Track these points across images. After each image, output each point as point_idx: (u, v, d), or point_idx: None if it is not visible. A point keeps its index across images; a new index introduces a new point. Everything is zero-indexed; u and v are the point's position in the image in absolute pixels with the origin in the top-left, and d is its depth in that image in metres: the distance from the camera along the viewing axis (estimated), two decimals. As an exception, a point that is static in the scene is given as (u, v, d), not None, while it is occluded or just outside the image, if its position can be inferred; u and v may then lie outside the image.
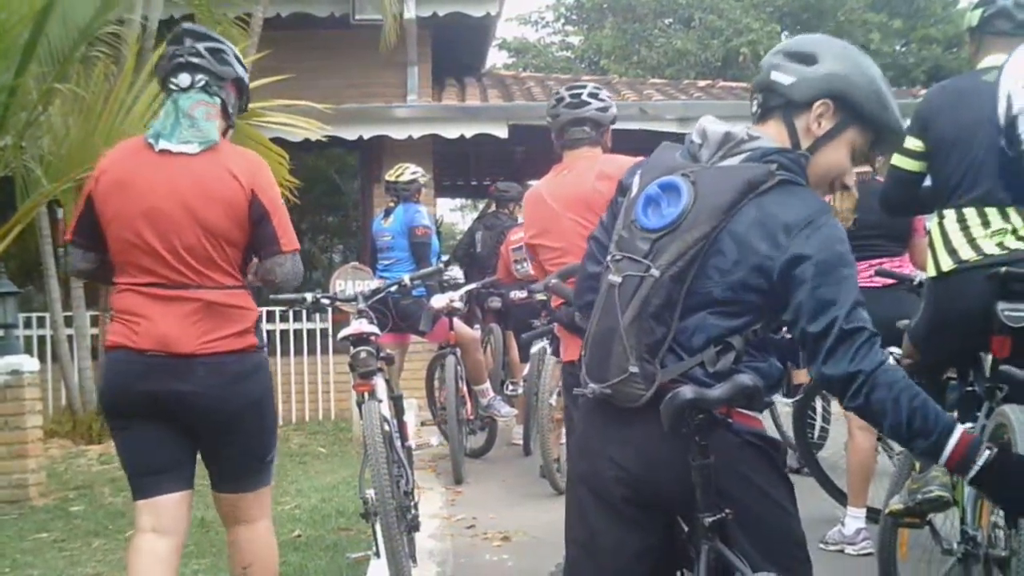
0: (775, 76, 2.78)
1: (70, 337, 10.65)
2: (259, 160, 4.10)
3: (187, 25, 4.17)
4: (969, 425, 4.25)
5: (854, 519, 5.91)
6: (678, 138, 11.42)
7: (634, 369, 2.61)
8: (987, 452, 2.53)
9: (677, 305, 2.62)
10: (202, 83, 3.99)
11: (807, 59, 2.76)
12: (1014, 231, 4.00)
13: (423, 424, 10.13)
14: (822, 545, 5.84)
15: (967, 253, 4.10)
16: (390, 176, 9.04)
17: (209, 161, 3.92)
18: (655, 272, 2.62)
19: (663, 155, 2.89)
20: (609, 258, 2.74)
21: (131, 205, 3.87)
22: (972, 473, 2.54)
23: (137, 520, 4.00)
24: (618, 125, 10.25)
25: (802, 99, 2.75)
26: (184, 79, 3.98)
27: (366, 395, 5.35)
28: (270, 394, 4.14)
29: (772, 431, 2.78)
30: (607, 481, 2.73)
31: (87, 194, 3.99)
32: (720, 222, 2.62)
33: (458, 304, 8.51)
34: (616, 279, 2.67)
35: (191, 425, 3.94)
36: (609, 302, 2.68)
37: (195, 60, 3.99)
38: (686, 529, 2.76)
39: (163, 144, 3.91)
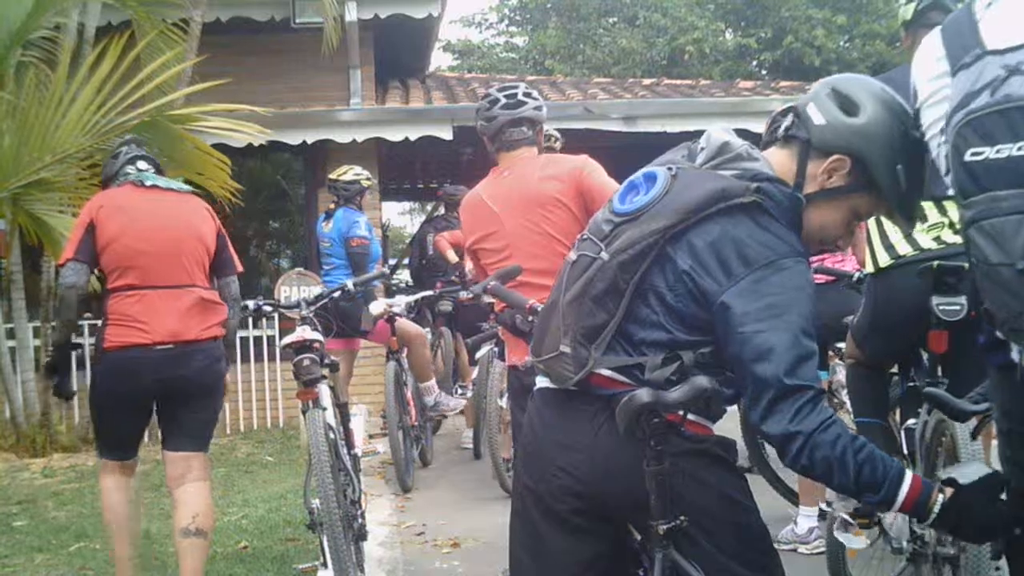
0: (810, 109, 2.62)
1: (12, 350, 10.49)
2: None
3: (131, 136, 5.64)
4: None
5: (806, 518, 5.90)
6: (623, 137, 11.42)
7: (565, 349, 2.62)
8: (940, 497, 2.43)
9: (623, 295, 2.57)
10: (153, 171, 5.25)
11: (849, 107, 2.58)
12: (951, 224, 3.99)
13: (370, 437, 10.02)
14: (774, 544, 5.81)
15: (904, 248, 4.10)
16: (333, 174, 8.93)
17: (192, 199, 5.26)
18: (604, 256, 2.60)
19: (671, 153, 2.80)
20: (578, 238, 2.75)
21: (138, 223, 4.99)
22: (930, 520, 2.44)
23: (107, 467, 5.12)
24: (563, 124, 10.20)
25: (820, 145, 2.59)
26: (143, 164, 5.25)
27: (310, 403, 5.30)
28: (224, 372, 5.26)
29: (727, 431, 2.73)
30: (554, 489, 2.69)
31: (88, 221, 4.99)
32: (680, 221, 2.54)
33: (397, 309, 8.39)
34: (573, 256, 2.70)
35: (174, 398, 5.01)
36: (560, 278, 2.71)
37: (148, 154, 5.34)
38: (638, 537, 2.72)
39: (152, 182, 5.14)
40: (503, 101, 4.95)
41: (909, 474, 2.44)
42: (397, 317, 8.46)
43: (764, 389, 2.42)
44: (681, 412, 2.52)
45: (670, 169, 2.64)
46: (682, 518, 2.55)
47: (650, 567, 2.59)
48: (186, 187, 5.26)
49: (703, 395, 2.41)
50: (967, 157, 2.23)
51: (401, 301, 8.65)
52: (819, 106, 2.61)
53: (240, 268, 5.35)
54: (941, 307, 3.84)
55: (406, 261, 12.93)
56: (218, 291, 5.23)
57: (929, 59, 2.46)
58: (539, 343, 2.74)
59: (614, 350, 2.59)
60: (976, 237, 2.23)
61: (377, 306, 8.17)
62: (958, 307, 3.82)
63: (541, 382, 2.82)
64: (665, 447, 2.49)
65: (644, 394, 2.42)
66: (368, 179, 8.87)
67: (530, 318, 3.48)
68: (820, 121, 2.60)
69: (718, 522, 2.63)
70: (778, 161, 2.65)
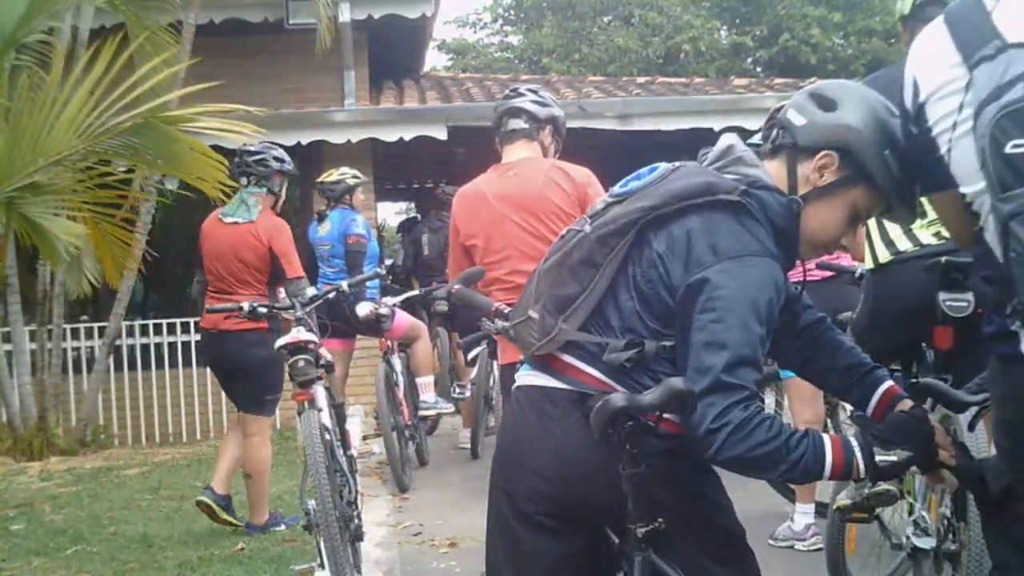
0: (790, 114, 2.66)
1: (8, 353, 10.47)
2: (277, 224, 6.94)
3: (243, 147, 7.15)
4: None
5: (803, 515, 5.89)
6: (617, 135, 11.36)
7: (533, 314, 2.66)
8: (858, 443, 2.49)
9: (598, 269, 2.60)
10: (254, 181, 6.95)
11: (827, 104, 2.62)
12: (951, 220, 3.97)
13: (365, 438, 9.98)
14: (771, 541, 5.82)
15: (904, 244, 4.07)
16: (319, 179, 8.95)
17: (247, 227, 6.85)
18: (587, 228, 2.65)
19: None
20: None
21: (212, 248, 6.92)
22: (863, 472, 2.47)
23: (232, 420, 7.53)
24: (557, 123, 10.03)
25: (806, 144, 2.62)
26: (243, 181, 7.00)
27: (306, 404, 5.29)
28: (271, 358, 6.17)
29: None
30: (526, 491, 2.71)
31: (201, 243, 7.01)
32: (664, 205, 2.56)
33: (384, 311, 8.32)
34: (563, 231, 2.77)
35: (224, 370, 7.02)
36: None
37: (248, 169, 6.94)
38: (616, 540, 2.71)
39: (227, 220, 6.92)
40: (507, 93, 5.08)
41: (827, 438, 2.48)
42: (384, 318, 8.37)
43: (703, 377, 2.42)
44: (657, 413, 2.51)
45: (675, 165, 2.69)
46: (659, 520, 2.54)
47: (629, 570, 2.59)
48: (251, 217, 6.86)
49: (677, 397, 2.39)
50: (1008, 149, 2.20)
51: (390, 302, 8.60)
52: (799, 109, 2.65)
53: (293, 273, 6.83)
54: (948, 303, 3.81)
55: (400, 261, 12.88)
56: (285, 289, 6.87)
57: (934, 51, 2.42)
58: (516, 310, 2.81)
59: (586, 328, 2.61)
60: (1019, 230, 2.20)
61: (364, 307, 8.12)
62: (965, 303, 3.80)
63: (519, 379, 2.81)
64: (641, 450, 2.49)
65: (618, 398, 2.42)
66: (354, 177, 8.79)
67: (496, 321, 3.44)
68: (801, 122, 2.63)
69: (695, 521, 2.64)
70: (772, 171, 2.66)
